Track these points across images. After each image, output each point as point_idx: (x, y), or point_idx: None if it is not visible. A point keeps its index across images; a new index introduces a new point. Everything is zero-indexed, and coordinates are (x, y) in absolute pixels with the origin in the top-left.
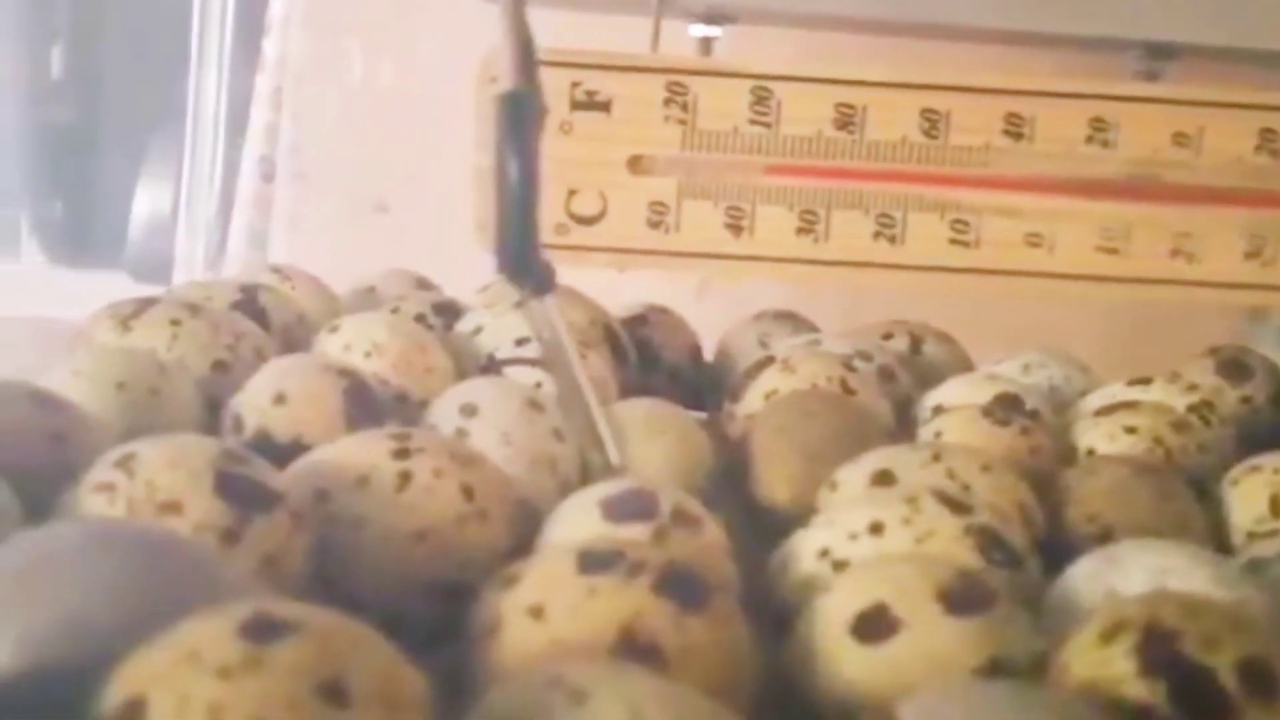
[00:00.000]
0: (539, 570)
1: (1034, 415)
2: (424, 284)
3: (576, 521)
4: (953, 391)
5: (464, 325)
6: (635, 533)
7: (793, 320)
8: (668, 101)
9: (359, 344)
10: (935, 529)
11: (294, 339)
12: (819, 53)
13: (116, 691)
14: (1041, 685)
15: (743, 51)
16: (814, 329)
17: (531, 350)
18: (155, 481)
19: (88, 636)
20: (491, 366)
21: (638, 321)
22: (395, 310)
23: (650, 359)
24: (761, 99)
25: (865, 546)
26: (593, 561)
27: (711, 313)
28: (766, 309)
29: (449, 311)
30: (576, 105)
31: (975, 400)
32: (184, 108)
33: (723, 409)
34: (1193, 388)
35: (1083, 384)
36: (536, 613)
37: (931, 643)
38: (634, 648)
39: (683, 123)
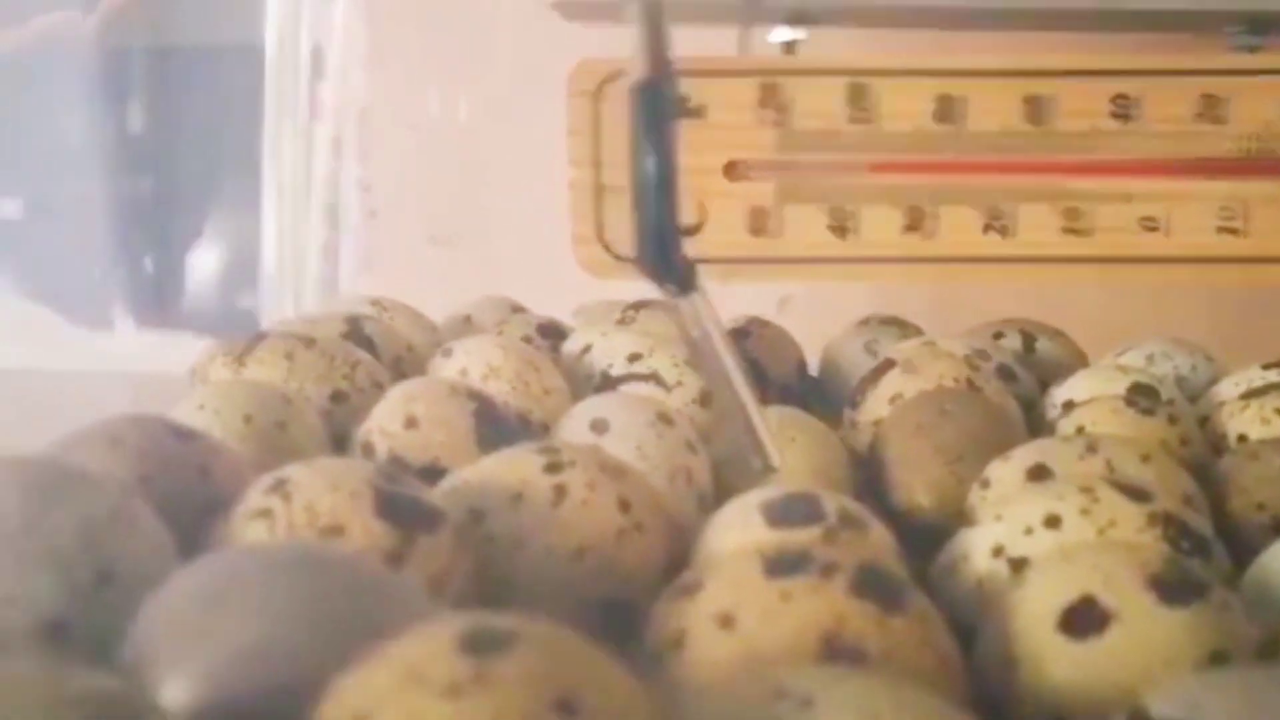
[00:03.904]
0: (722, 577)
1: (1172, 404)
2: (519, 309)
3: (739, 528)
4: (1081, 385)
5: (571, 345)
6: (802, 537)
7: (899, 325)
8: (762, 104)
9: (475, 367)
10: (1117, 518)
11: (404, 369)
12: (908, 50)
13: (333, 717)
14: None
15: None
16: (920, 333)
17: (645, 366)
18: (315, 506)
19: (276, 665)
20: (606, 384)
21: (740, 335)
22: (501, 333)
23: (756, 374)
24: (858, 95)
25: (1043, 541)
26: (780, 564)
27: (793, 327)
28: (871, 315)
29: (553, 333)
30: None
31: (1107, 393)
32: (259, 162)
33: (842, 419)
34: None
35: (1210, 372)
36: (725, 621)
37: (1149, 635)
38: (837, 653)
39: (779, 124)
